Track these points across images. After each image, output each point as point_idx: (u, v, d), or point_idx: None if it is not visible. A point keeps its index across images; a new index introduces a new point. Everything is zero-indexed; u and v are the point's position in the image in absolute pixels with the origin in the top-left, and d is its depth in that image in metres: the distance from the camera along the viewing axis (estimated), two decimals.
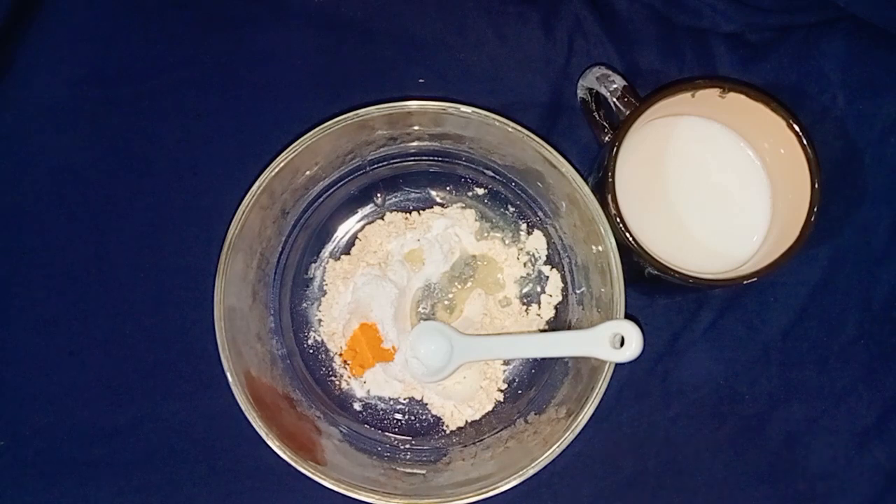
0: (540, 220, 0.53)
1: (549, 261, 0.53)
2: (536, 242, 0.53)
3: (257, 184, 0.45)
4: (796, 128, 0.45)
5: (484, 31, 0.54)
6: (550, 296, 0.53)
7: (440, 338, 0.49)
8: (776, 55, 0.53)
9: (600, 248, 0.46)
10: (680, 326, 0.53)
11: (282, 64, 0.54)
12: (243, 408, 0.44)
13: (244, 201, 0.45)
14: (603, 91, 0.47)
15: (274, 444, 0.44)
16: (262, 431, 0.44)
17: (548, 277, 0.53)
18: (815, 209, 0.44)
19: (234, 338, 0.45)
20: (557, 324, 0.52)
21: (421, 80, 0.54)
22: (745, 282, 0.44)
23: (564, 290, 0.52)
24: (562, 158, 0.45)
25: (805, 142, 0.45)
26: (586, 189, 0.45)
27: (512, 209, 0.53)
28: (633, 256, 0.45)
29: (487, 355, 0.50)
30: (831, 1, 0.52)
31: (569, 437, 0.44)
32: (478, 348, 0.49)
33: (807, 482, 0.51)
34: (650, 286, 0.50)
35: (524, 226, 0.53)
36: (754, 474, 0.52)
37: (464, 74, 0.54)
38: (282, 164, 0.45)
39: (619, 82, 0.47)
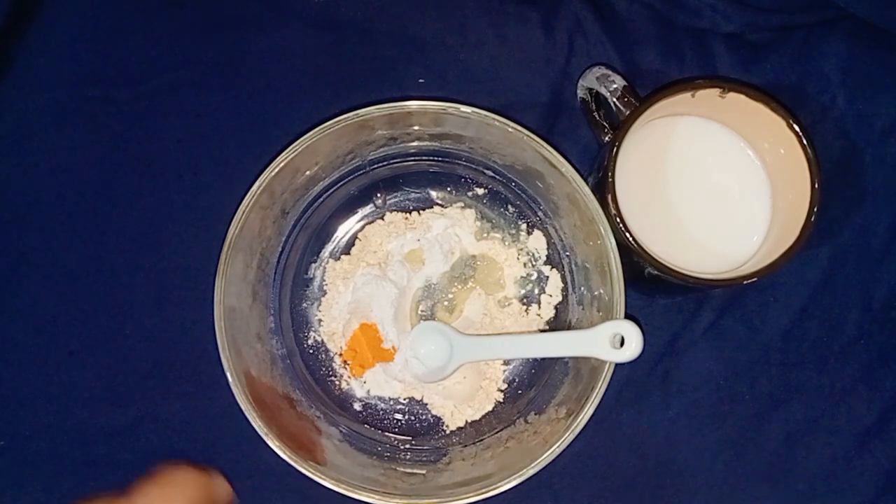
0: (540, 220, 0.53)
1: (549, 261, 0.53)
2: (536, 242, 0.53)
3: (257, 184, 0.45)
4: (796, 128, 0.45)
5: (484, 31, 0.54)
6: (550, 296, 0.53)
7: (440, 338, 0.49)
8: (776, 55, 0.53)
9: (600, 248, 0.46)
10: (680, 326, 0.52)
11: (282, 64, 0.54)
12: (243, 408, 0.44)
13: (244, 201, 0.45)
14: (603, 91, 0.47)
15: (274, 444, 0.44)
16: (262, 431, 0.44)
17: (548, 277, 0.53)
18: (815, 209, 0.44)
19: (234, 338, 0.45)
20: (557, 324, 0.52)
21: (421, 80, 0.54)
22: (745, 282, 0.44)
23: (564, 290, 0.52)
24: (562, 158, 0.45)
25: (805, 142, 0.45)
26: (586, 189, 0.45)
27: (512, 209, 0.53)
28: (633, 256, 0.45)
29: (487, 355, 0.49)
30: (831, 1, 0.53)
31: (569, 437, 0.44)
32: (478, 348, 0.49)
33: (807, 482, 0.51)
34: (650, 286, 0.50)
35: (524, 226, 0.53)
36: (754, 474, 0.52)
37: (464, 74, 0.54)
38: (282, 164, 0.45)
39: (619, 82, 0.47)
